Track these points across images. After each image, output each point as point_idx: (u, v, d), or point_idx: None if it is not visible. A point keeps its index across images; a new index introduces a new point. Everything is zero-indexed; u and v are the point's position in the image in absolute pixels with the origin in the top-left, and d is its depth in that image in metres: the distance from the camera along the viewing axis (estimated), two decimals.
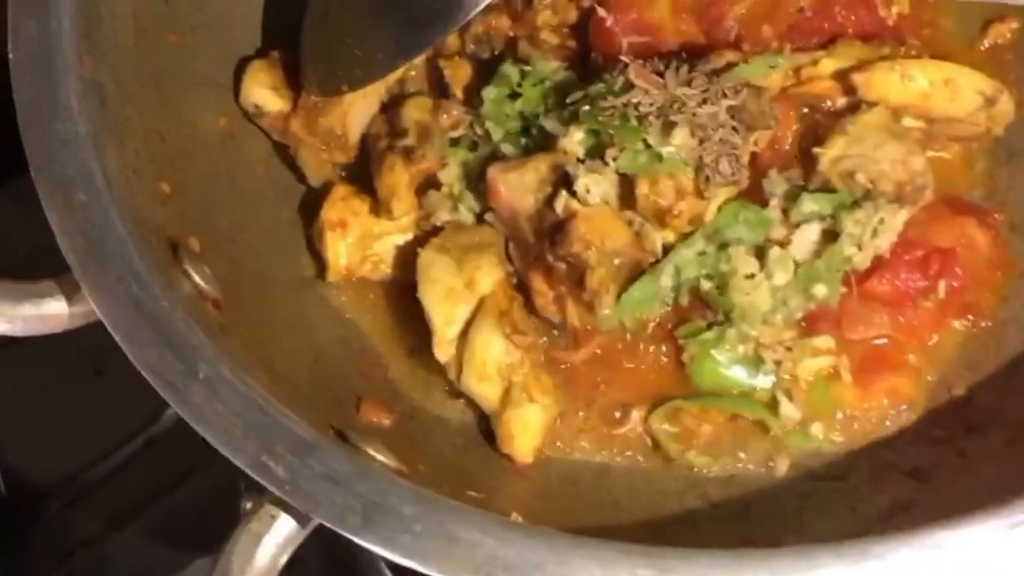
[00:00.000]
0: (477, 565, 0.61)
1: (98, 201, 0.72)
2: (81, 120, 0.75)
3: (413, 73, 1.00)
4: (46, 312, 0.73)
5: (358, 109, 0.97)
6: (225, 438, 0.64)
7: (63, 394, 1.11)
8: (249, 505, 0.67)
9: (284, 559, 0.65)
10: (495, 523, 0.62)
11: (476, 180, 0.93)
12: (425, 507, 0.62)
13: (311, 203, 0.98)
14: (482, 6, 0.85)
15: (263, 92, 0.98)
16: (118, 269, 0.70)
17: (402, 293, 0.95)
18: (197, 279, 0.78)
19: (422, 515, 0.61)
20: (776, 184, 0.91)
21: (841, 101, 0.94)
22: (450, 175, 0.94)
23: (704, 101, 0.87)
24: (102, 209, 0.72)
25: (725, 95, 0.88)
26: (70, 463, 1.11)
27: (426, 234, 0.95)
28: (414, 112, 0.96)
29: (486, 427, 0.92)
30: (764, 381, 0.91)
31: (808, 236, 0.89)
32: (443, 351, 0.90)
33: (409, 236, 0.96)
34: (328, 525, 0.62)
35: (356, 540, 0.61)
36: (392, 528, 0.61)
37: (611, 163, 0.86)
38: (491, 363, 0.88)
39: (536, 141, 0.92)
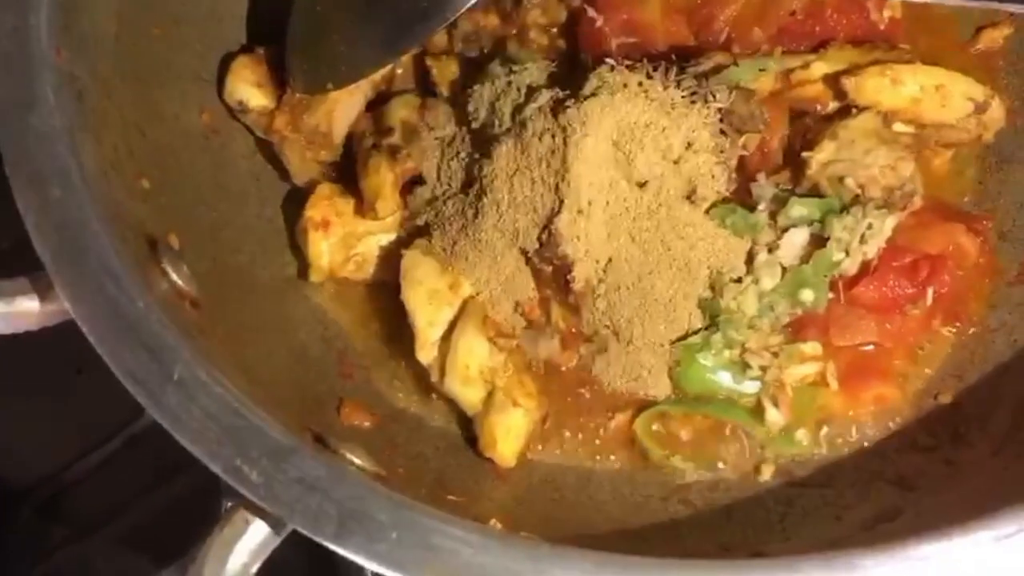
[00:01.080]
0: (454, 573, 0.60)
1: (74, 197, 0.71)
2: (57, 114, 0.73)
3: (400, 71, 0.99)
4: (19, 310, 0.71)
5: (343, 107, 0.96)
6: (199, 442, 0.63)
7: (43, 393, 1.10)
8: (229, 504, 0.66)
9: (257, 566, 0.64)
10: (473, 531, 0.61)
11: None
12: (402, 514, 0.61)
13: (295, 201, 0.97)
14: (470, 4, 0.84)
15: (247, 88, 0.96)
16: (93, 268, 0.68)
17: (385, 294, 0.94)
18: (175, 277, 0.76)
19: (398, 522, 0.60)
20: (764, 188, 0.90)
21: (831, 105, 0.93)
22: None
23: (692, 103, 0.87)
24: (78, 205, 0.70)
25: (714, 97, 0.88)
26: (50, 462, 1.10)
27: (410, 234, 0.94)
28: (400, 110, 0.95)
29: (468, 430, 0.91)
30: (750, 387, 0.90)
31: (796, 241, 0.89)
32: (426, 353, 0.89)
33: (393, 236, 0.95)
34: (303, 531, 0.61)
35: (331, 547, 0.60)
36: (368, 535, 0.60)
37: None
38: (474, 366, 0.87)
39: None
